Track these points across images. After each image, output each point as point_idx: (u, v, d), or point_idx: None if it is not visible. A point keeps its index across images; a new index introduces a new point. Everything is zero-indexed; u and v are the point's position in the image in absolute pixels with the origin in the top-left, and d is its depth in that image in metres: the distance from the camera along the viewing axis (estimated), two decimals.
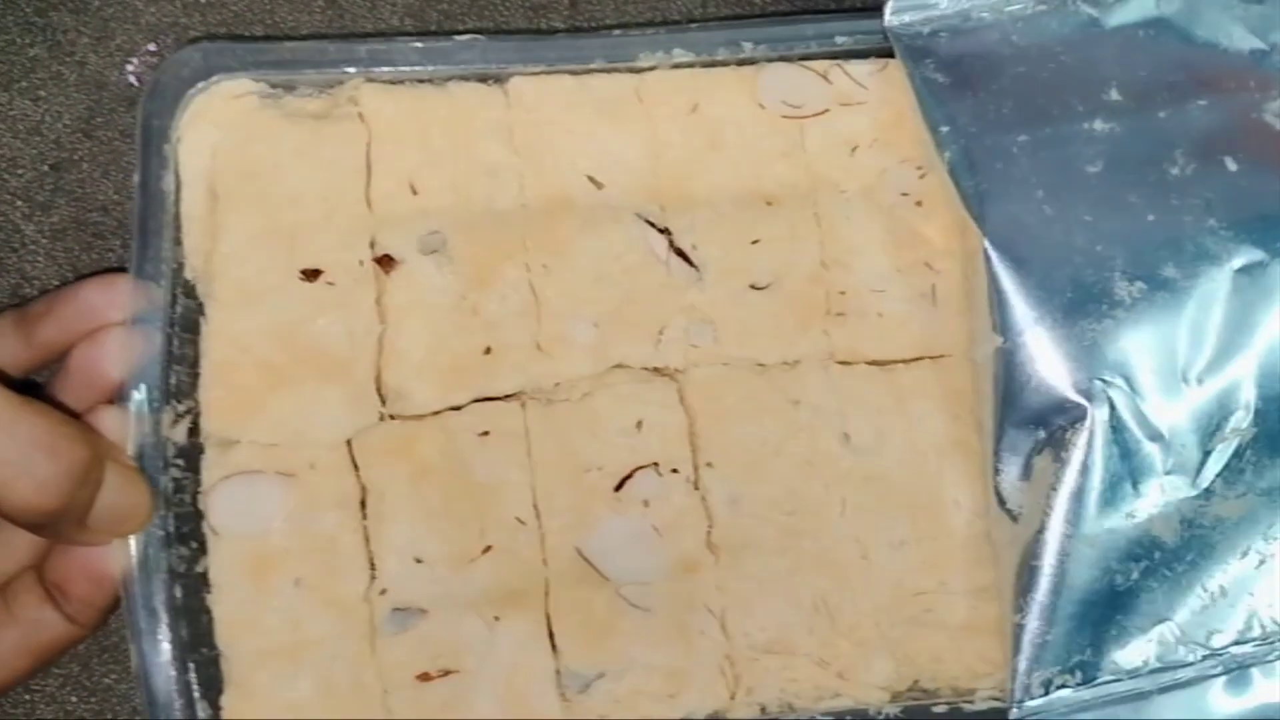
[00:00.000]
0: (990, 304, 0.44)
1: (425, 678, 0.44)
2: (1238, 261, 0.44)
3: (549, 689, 0.44)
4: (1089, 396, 0.43)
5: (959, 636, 0.46)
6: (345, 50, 0.47)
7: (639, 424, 0.46)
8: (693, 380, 0.47)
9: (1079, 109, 0.46)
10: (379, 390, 0.45)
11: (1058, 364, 0.44)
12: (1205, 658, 0.44)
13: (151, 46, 0.52)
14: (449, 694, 0.44)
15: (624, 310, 0.47)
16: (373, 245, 0.46)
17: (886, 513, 0.46)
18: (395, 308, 0.46)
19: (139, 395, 0.43)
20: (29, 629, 0.42)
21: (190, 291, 0.45)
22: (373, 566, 0.44)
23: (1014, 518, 0.44)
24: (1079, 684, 0.43)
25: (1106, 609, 0.43)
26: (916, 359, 0.47)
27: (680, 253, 0.47)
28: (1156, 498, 0.44)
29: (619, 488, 0.45)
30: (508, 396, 0.46)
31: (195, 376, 0.45)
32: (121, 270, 0.45)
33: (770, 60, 0.49)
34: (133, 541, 0.42)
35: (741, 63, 0.49)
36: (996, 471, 0.44)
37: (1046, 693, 0.43)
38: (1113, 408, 0.43)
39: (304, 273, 0.46)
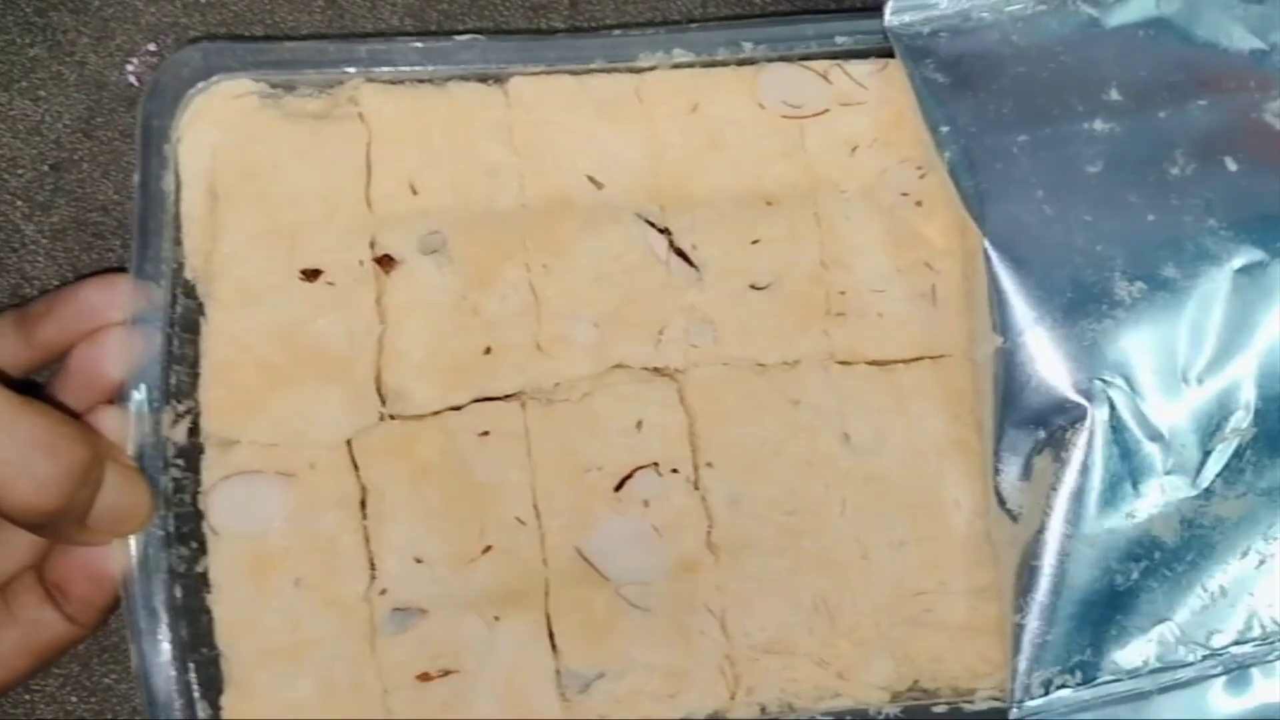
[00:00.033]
0: (990, 304, 0.44)
1: (425, 678, 0.44)
2: (1238, 261, 0.44)
3: (549, 689, 0.44)
4: (1089, 396, 0.43)
5: (959, 636, 0.45)
6: (345, 50, 0.47)
7: (639, 424, 0.46)
8: (693, 380, 0.46)
9: (1079, 109, 0.46)
10: (379, 390, 0.45)
11: (1058, 364, 0.44)
12: (1205, 658, 0.44)
13: (151, 46, 0.52)
14: (449, 694, 0.44)
15: (624, 310, 0.47)
16: (373, 245, 0.46)
17: (886, 513, 0.46)
18: (395, 308, 0.46)
19: (139, 395, 0.43)
20: (29, 629, 0.42)
21: (190, 291, 0.45)
22: (373, 566, 0.44)
23: (1014, 518, 0.44)
24: (1079, 684, 0.43)
25: (1106, 609, 0.43)
26: (916, 359, 0.47)
27: (680, 253, 0.47)
28: (1156, 498, 0.44)
29: (619, 488, 0.45)
30: (508, 396, 0.46)
31: (195, 376, 0.45)
32: (121, 270, 0.45)
33: (770, 60, 0.49)
34: (133, 541, 0.42)
35: (741, 63, 0.49)
36: (996, 471, 0.44)
37: (1046, 693, 0.43)
38: (1113, 408, 0.43)
39: (304, 273, 0.46)
